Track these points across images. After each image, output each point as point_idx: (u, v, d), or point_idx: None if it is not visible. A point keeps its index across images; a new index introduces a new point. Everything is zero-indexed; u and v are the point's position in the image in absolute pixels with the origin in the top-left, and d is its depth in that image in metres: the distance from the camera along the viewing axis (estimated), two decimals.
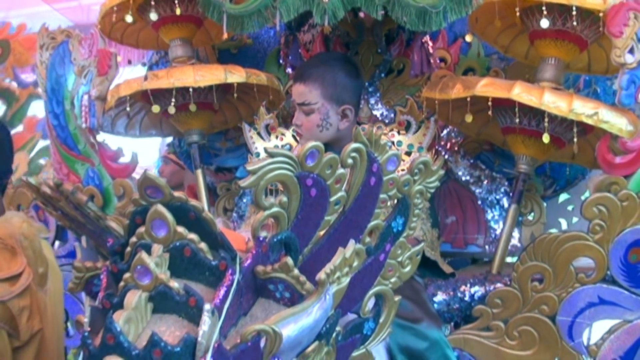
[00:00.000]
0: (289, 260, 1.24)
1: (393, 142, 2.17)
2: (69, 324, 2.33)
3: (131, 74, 2.57)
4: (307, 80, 2.01)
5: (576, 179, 2.48)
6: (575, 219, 2.58)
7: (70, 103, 2.18)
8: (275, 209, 1.25)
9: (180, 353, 1.11)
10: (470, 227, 2.41)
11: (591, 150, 2.00)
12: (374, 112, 2.33)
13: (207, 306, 1.14)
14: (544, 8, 1.89)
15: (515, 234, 2.34)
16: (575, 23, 1.91)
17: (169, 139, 2.95)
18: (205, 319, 1.13)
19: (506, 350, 1.96)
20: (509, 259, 2.22)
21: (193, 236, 1.21)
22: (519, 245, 2.34)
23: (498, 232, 2.30)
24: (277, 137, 2.29)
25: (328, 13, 1.85)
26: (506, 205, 2.31)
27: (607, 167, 1.87)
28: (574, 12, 1.87)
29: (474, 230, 2.40)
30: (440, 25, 1.82)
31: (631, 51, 1.80)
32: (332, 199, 1.32)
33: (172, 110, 2.17)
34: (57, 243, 2.44)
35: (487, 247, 2.38)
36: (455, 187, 2.41)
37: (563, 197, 2.61)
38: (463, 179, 2.37)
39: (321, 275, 1.24)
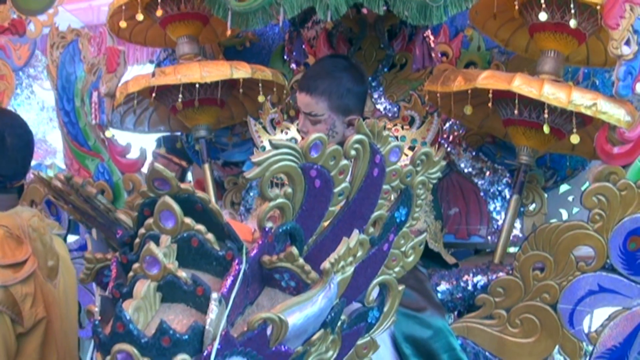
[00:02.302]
0: (294, 250, 1.24)
1: (397, 137, 2.17)
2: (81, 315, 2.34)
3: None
4: (314, 92, 2.00)
5: (576, 169, 2.47)
6: (575, 210, 2.57)
7: (81, 100, 2.19)
8: (280, 200, 1.25)
9: (189, 340, 1.12)
10: (473, 218, 2.41)
11: (591, 141, 2.00)
12: (377, 106, 2.33)
13: (214, 295, 1.15)
14: (542, 1, 1.88)
15: (517, 224, 2.34)
16: (573, 16, 1.89)
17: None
18: (213, 308, 1.14)
19: (508, 338, 1.96)
20: (511, 249, 2.22)
21: (200, 227, 1.22)
22: (520, 235, 2.34)
23: (500, 222, 2.29)
24: (282, 131, 2.29)
25: (331, 9, 1.85)
26: (508, 196, 2.31)
27: (605, 157, 1.86)
28: (572, 5, 1.86)
29: (477, 221, 2.40)
30: (441, 19, 1.82)
31: (627, 43, 1.79)
32: (336, 189, 1.31)
33: (179, 106, 2.17)
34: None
35: (489, 237, 2.37)
36: (458, 179, 2.41)
37: (564, 187, 2.60)
38: (465, 171, 2.36)
39: (325, 264, 1.24)
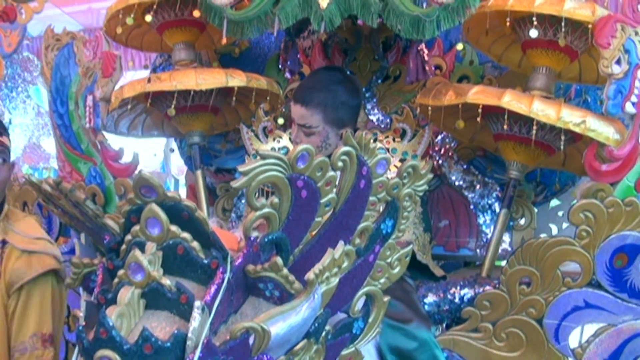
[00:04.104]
0: (279, 259, 1.25)
1: (388, 149, 2.17)
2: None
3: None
4: (309, 104, 2.00)
5: (566, 185, 2.48)
6: (565, 225, 2.58)
7: (75, 103, 2.19)
8: (266, 210, 1.26)
9: (171, 348, 1.13)
10: (462, 231, 2.41)
11: (580, 157, 2.00)
12: (370, 117, 2.34)
13: (197, 303, 1.15)
14: (534, 19, 1.89)
15: (506, 238, 2.35)
16: (565, 34, 1.91)
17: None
18: (196, 316, 1.14)
19: (494, 352, 1.96)
20: (502, 263, 2.22)
21: (186, 235, 1.22)
22: (509, 249, 2.35)
23: (489, 236, 2.29)
24: (274, 140, 2.29)
25: (325, 20, 1.86)
26: (498, 210, 2.32)
27: (593, 175, 1.87)
28: (564, 24, 1.87)
29: (466, 234, 2.41)
30: (434, 34, 1.82)
31: (618, 62, 1.80)
32: (323, 200, 1.32)
33: (172, 112, 2.18)
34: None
35: (478, 250, 2.38)
36: (449, 191, 2.42)
37: (553, 203, 2.61)
38: (456, 183, 2.37)
39: (310, 275, 1.25)
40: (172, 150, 2.94)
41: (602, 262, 1.87)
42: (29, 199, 2.49)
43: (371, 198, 1.40)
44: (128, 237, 1.24)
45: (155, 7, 2.18)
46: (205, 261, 1.23)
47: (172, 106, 2.13)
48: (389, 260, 1.50)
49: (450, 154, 2.36)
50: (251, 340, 1.20)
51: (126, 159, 2.16)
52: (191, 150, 2.36)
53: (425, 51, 2.34)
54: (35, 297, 1.99)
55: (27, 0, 2.69)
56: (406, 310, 1.90)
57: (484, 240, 2.35)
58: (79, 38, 2.17)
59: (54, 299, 2.03)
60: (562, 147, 1.92)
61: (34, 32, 3.23)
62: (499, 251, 2.17)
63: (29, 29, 3.01)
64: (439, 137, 2.37)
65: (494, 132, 2.07)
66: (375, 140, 2.17)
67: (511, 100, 1.84)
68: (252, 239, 1.26)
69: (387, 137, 2.20)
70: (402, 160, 2.16)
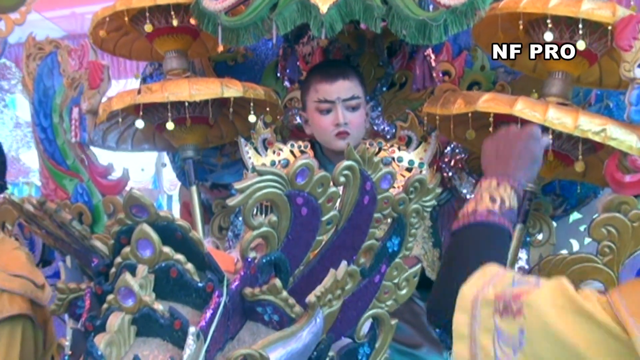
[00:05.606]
0: (278, 282, 1.27)
1: (393, 158, 2.19)
2: None
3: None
4: (350, 75, 2.14)
5: (588, 197, 2.47)
6: (587, 240, 2.57)
7: (59, 116, 2.21)
8: (264, 229, 1.28)
9: None
10: None
11: (602, 167, 2.01)
12: (375, 128, 2.36)
13: (192, 329, 1.17)
14: (549, 21, 1.91)
15: (523, 255, 2.35)
16: (583, 36, 1.92)
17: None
18: (190, 343, 1.16)
19: None
20: None
21: (179, 257, 1.24)
22: (526, 267, 2.34)
23: None
24: (274, 152, 2.31)
25: (325, 26, 1.88)
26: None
27: (616, 186, 1.88)
28: (582, 25, 1.89)
29: None
30: (441, 39, 1.85)
31: None
32: (324, 218, 1.34)
33: (170, 126, 2.20)
34: None
35: None
36: (460, 205, 2.41)
37: (574, 216, 2.61)
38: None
39: (311, 297, 1.27)
40: (164, 165, 2.96)
41: None
42: (8, 219, 2.51)
43: (376, 215, 1.41)
44: (118, 259, 1.26)
45: (146, 13, 2.21)
46: (200, 284, 1.25)
47: (169, 119, 2.15)
48: (396, 281, 1.52)
49: (460, 165, 2.37)
50: None
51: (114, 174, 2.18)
52: (185, 165, 2.38)
53: (433, 56, 2.36)
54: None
55: (7, 11, 2.72)
56: (415, 334, 1.92)
57: None
58: (63, 47, 2.19)
59: (25, 349, 1.97)
60: (579, 158, 1.92)
61: (12, 39, 3.25)
62: (515, 269, 2.17)
63: None
64: (449, 148, 2.37)
65: None
66: (380, 150, 2.19)
67: (524, 108, 1.85)
68: (249, 260, 1.28)
69: (392, 145, 2.22)
70: (408, 169, 2.17)
